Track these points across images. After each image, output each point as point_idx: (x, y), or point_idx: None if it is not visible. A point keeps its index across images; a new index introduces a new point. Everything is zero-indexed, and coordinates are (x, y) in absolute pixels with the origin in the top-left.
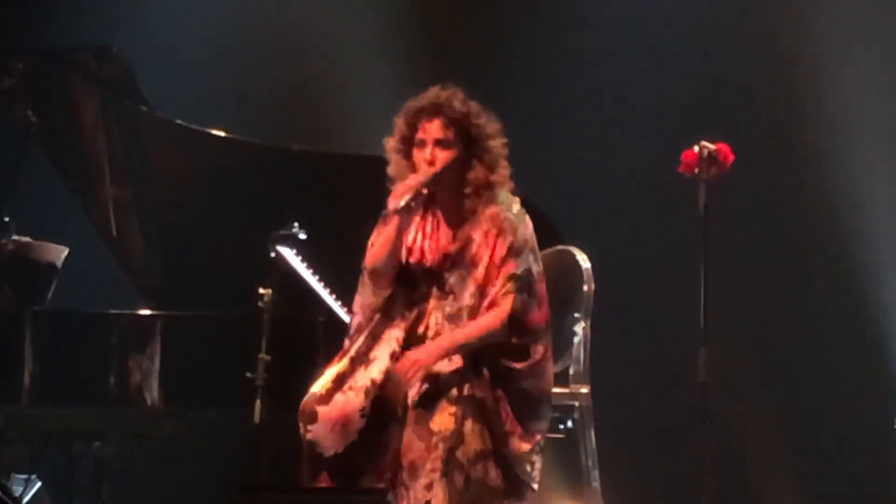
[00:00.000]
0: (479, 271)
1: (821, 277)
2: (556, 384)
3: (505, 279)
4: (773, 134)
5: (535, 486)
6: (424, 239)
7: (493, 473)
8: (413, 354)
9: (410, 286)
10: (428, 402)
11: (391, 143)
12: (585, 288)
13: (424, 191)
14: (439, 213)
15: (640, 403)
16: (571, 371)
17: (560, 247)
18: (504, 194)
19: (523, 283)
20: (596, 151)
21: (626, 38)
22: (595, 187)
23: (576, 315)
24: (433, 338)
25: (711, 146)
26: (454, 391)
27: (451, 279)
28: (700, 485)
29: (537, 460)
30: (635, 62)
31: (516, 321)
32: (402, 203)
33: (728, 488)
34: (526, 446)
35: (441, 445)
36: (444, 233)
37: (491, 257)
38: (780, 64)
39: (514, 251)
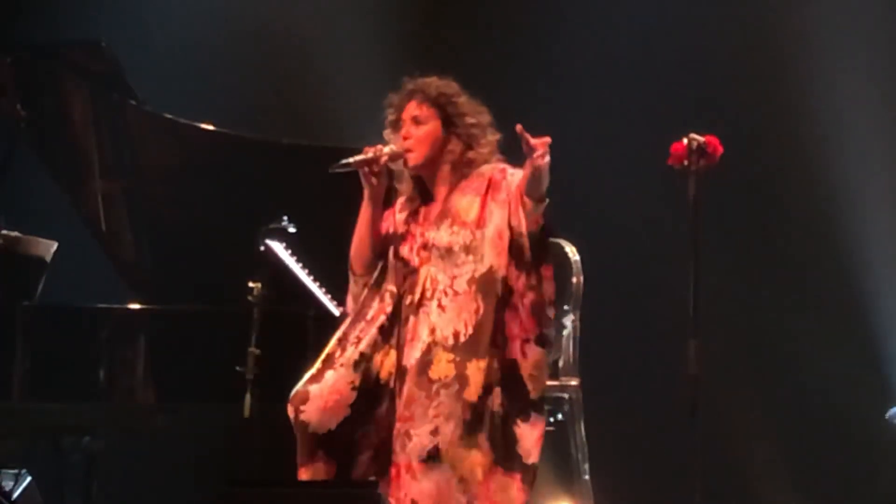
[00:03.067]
0: (468, 212)
1: (811, 269)
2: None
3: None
4: (762, 125)
5: (535, 396)
6: (417, 226)
7: (499, 400)
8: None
9: (400, 263)
10: (428, 356)
11: (385, 132)
12: (575, 280)
13: (405, 171)
14: (432, 205)
15: (630, 395)
16: (561, 363)
17: (549, 239)
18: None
19: None
20: (585, 144)
21: (615, 30)
22: (584, 179)
23: (565, 308)
24: (431, 298)
25: (701, 138)
26: (450, 340)
27: (433, 234)
28: (690, 477)
29: (545, 370)
30: (625, 54)
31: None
32: (343, 161)
33: (718, 480)
34: (537, 351)
35: (442, 391)
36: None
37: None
38: (769, 56)
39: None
